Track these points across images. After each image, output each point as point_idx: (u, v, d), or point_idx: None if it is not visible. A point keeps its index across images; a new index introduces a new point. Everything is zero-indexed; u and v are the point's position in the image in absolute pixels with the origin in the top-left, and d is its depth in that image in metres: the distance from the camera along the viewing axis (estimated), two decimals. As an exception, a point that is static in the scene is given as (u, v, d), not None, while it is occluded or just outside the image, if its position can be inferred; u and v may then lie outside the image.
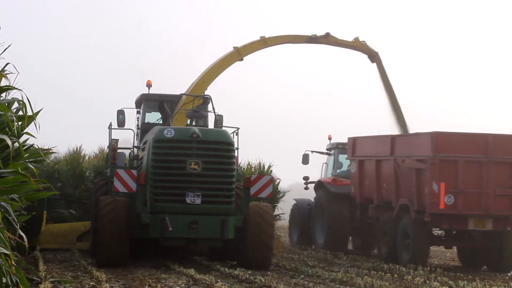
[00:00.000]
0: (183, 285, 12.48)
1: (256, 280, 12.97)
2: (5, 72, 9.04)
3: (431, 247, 19.65)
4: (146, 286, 12.10)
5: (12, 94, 9.72)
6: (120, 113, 18.54)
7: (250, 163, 24.11)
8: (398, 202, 17.95)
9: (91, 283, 11.94)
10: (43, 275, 12.50)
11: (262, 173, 23.10)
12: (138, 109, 19.36)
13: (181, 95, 19.02)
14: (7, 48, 8.99)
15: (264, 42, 21.24)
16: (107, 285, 11.62)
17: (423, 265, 16.85)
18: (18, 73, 9.04)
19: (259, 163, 24.20)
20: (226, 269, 14.71)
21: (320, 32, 21.94)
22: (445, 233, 18.33)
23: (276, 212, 23.51)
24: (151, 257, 17.18)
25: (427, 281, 14.13)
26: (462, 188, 16.74)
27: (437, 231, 18.64)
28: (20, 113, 9.73)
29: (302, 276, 14.57)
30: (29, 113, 9.49)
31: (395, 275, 15.29)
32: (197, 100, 18.64)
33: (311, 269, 15.63)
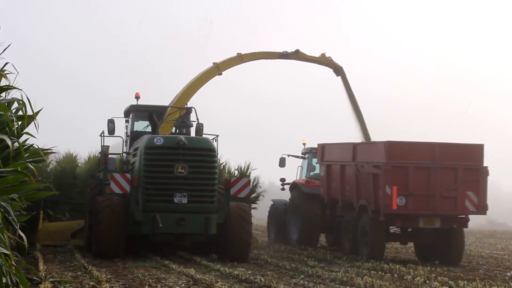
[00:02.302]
0: (183, 285, 12.45)
1: (256, 280, 12.94)
2: (5, 72, 8.94)
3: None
4: (146, 286, 12.11)
5: (12, 94, 9.51)
6: (111, 122, 20.20)
7: (248, 165, 25.75)
8: (358, 203, 19.60)
9: (91, 283, 11.93)
10: (43, 275, 12.42)
11: (243, 175, 24.99)
12: (126, 118, 21.05)
13: (166, 107, 21.05)
14: (6, 48, 8.94)
15: (241, 58, 23.13)
16: (107, 285, 11.65)
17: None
18: (18, 73, 9.01)
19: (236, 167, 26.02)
20: (226, 269, 14.79)
21: (290, 49, 23.81)
22: (401, 231, 20.10)
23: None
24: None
25: (427, 281, 14.02)
26: (412, 191, 18.39)
27: (394, 229, 20.36)
28: (20, 113, 9.53)
29: (302, 276, 14.57)
30: (29, 113, 9.35)
31: (395, 275, 15.22)
32: (181, 111, 20.63)
33: (311, 269, 15.61)
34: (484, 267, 18.51)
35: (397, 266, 16.41)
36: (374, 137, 23.54)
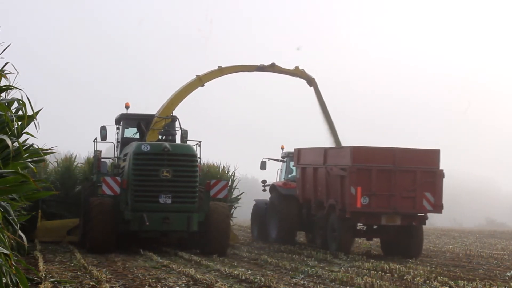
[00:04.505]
0: (183, 285, 12.40)
1: (256, 280, 12.89)
2: (5, 72, 8.90)
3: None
4: (146, 286, 12.07)
5: (12, 94, 9.40)
6: (103, 129, 21.87)
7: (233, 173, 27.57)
8: (328, 202, 21.13)
9: (91, 283, 11.90)
10: (43, 275, 12.41)
11: (224, 176, 26.76)
12: (117, 126, 22.79)
13: (153, 116, 22.88)
14: (6, 48, 8.93)
15: (221, 71, 24.54)
16: (107, 285, 11.62)
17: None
18: (18, 73, 8.97)
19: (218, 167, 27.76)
20: (226, 269, 14.80)
21: (266, 62, 25.26)
22: (367, 228, 21.72)
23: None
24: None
25: (427, 281, 13.93)
26: (375, 191, 19.90)
27: (361, 226, 21.96)
28: (20, 113, 9.38)
29: (302, 276, 14.55)
30: (29, 112, 9.23)
31: (395, 275, 15.14)
32: (167, 119, 22.47)
33: (311, 269, 15.59)
34: (484, 267, 18.49)
35: (397, 266, 16.47)
36: (344, 143, 25.27)
